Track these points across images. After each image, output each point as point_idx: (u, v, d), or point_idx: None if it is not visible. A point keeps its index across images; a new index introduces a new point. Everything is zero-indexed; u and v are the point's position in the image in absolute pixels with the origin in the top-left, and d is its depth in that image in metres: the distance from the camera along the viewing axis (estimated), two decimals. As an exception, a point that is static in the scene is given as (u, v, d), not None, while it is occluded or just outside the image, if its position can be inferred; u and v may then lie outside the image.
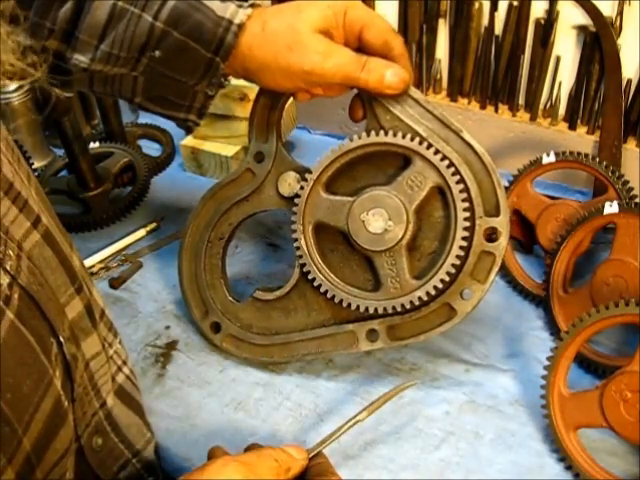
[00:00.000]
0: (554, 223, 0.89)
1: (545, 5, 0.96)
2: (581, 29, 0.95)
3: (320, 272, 0.76)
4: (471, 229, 0.71)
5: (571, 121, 1.02)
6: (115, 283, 0.96)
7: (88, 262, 0.98)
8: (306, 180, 0.75)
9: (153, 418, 0.76)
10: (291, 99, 0.80)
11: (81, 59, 0.69)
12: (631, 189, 0.87)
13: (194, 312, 0.86)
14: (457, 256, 0.71)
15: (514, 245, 0.95)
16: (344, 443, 0.72)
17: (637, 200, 0.85)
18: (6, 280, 0.46)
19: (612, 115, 0.96)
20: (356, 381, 0.82)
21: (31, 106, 1.13)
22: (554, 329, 0.85)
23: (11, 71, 0.49)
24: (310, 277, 0.76)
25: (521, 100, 1.05)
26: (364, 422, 0.64)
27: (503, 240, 0.71)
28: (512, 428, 0.76)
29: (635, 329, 0.69)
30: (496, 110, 1.06)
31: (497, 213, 0.71)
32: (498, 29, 1.00)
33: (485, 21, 1.01)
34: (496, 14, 0.99)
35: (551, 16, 0.95)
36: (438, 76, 1.10)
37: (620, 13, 0.91)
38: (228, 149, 1.11)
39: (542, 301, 0.89)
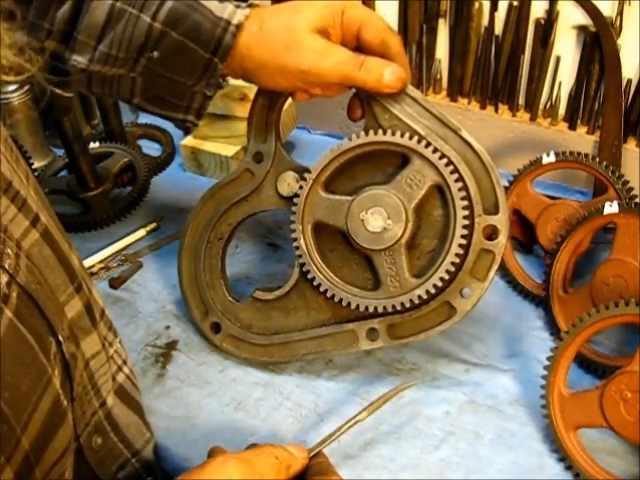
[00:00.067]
0: (554, 223, 0.89)
1: (545, 5, 0.96)
2: (581, 29, 0.95)
3: (320, 271, 0.76)
4: (470, 227, 0.71)
5: (571, 121, 1.02)
6: (115, 283, 0.96)
7: (88, 262, 0.98)
8: (305, 180, 0.75)
9: (153, 418, 0.76)
10: (290, 99, 0.80)
11: (79, 60, 0.69)
12: (631, 189, 0.87)
13: (194, 312, 0.86)
14: (456, 254, 0.71)
15: (514, 245, 0.95)
16: (344, 443, 0.72)
17: (637, 200, 0.85)
18: (4, 279, 0.46)
19: (612, 115, 0.96)
20: (356, 381, 0.82)
21: (31, 106, 1.13)
22: (554, 329, 0.85)
23: (7, 66, 0.49)
24: (310, 277, 0.77)
25: (521, 100, 1.05)
26: (364, 422, 0.64)
27: (502, 238, 0.71)
28: (512, 428, 0.76)
29: (635, 329, 0.69)
30: (496, 110, 1.06)
31: (496, 211, 0.71)
32: (498, 29, 1.00)
33: (485, 21, 1.01)
34: (496, 14, 0.99)
35: (551, 16, 0.95)
36: (438, 76, 1.10)
37: (620, 13, 0.91)
38: (228, 149, 1.11)
39: (542, 301, 0.89)
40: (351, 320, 0.78)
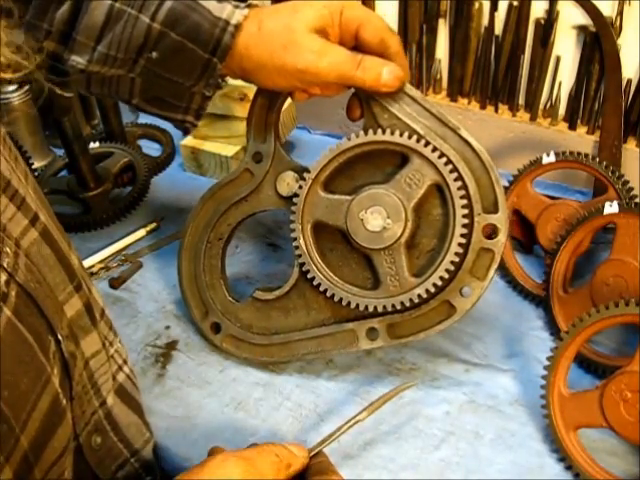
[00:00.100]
0: (554, 223, 0.89)
1: (545, 5, 0.96)
2: (581, 29, 0.95)
3: (319, 271, 0.76)
4: (470, 226, 0.71)
5: (571, 121, 1.02)
6: (115, 283, 0.96)
7: (88, 262, 0.98)
8: (304, 179, 0.75)
9: (153, 418, 0.76)
10: (290, 99, 0.80)
11: (78, 60, 0.69)
12: (631, 189, 0.87)
13: (194, 313, 0.86)
14: (456, 253, 0.71)
15: (514, 245, 0.95)
16: (344, 443, 0.72)
17: (637, 200, 0.85)
18: (3, 277, 0.46)
19: (612, 115, 0.96)
20: (356, 381, 0.82)
21: (31, 106, 1.13)
22: (554, 329, 0.85)
23: (5, 64, 0.49)
24: (309, 276, 0.77)
25: (521, 100, 1.05)
26: (364, 422, 0.64)
27: (502, 237, 0.71)
28: (512, 428, 0.76)
29: (635, 329, 0.69)
30: (496, 110, 1.06)
31: (495, 210, 0.71)
32: (498, 29, 1.00)
33: (485, 21, 1.01)
34: (496, 14, 0.99)
35: (551, 16, 0.95)
36: (438, 76, 1.10)
37: (620, 13, 0.91)
38: (228, 149, 1.11)
39: (542, 301, 0.89)
40: (351, 319, 0.78)
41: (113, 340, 0.67)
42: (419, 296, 0.72)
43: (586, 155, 0.88)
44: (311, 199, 0.76)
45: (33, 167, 1.07)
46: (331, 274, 0.76)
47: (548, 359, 0.73)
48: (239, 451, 0.55)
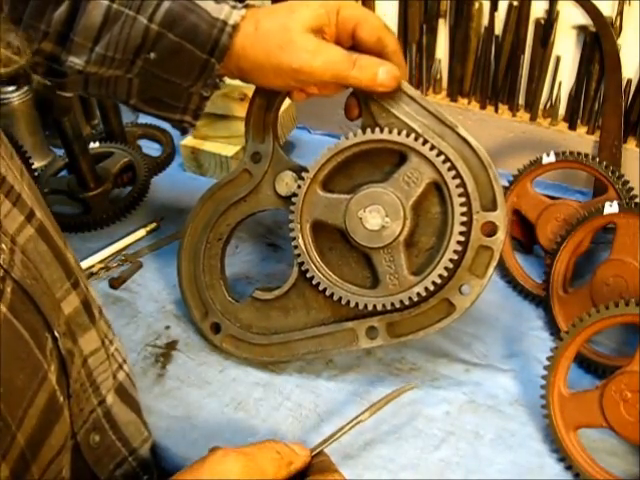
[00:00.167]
0: (554, 223, 0.89)
1: (545, 5, 0.96)
2: (581, 29, 0.95)
3: (319, 270, 0.76)
4: (468, 224, 0.71)
5: (571, 121, 1.02)
6: (115, 283, 0.96)
7: (88, 262, 0.98)
8: (303, 179, 0.75)
9: (153, 418, 0.76)
10: (289, 99, 0.80)
11: (76, 61, 0.69)
12: (631, 189, 0.87)
13: (194, 313, 0.86)
14: (455, 251, 0.71)
15: (514, 245, 0.95)
16: (344, 443, 0.72)
17: (637, 200, 0.85)
18: None
19: (612, 115, 0.96)
20: (356, 381, 0.82)
21: (31, 106, 1.13)
22: (554, 329, 0.85)
23: None
24: (309, 275, 0.76)
25: (521, 100, 1.05)
26: (364, 422, 0.64)
27: (501, 234, 0.71)
28: (512, 428, 0.76)
29: (635, 329, 0.69)
30: (496, 110, 1.06)
31: (494, 207, 0.71)
32: (498, 29, 1.00)
33: (485, 21, 1.01)
34: (496, 14, 0.99)
35: (551, 16, 0.95)
36: (438, 76, 1.10)
37: (620, 13, 0.91)
38: (228, 149, 1.11)
39: (542, 301, 0.89)
40: (350, 319, 0.78)
41: (113, 338, 0.68)
42: (418, 294, 0.72)
43: (586, 155, 0.88)
44: (310, 198, 0.76)
45: (33, 167, 1.07)
46: (330, 273, 0.76)
47: (548, 359, 0.73)
48: (240, 447, 0.54)
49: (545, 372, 0.72)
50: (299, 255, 0.76)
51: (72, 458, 0.56)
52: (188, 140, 1.14)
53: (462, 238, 0.71)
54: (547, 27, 0.97)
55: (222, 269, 0.86)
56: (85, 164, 1.06)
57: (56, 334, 0.52)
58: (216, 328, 0.84)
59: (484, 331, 0.87)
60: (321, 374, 0.83)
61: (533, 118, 1.04)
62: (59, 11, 0.67)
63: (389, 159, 0.74)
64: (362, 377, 0.82)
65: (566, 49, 0.98)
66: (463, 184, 0.71)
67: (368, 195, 0.73)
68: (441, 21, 1.05)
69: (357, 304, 0.75)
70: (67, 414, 0.54)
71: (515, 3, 0.97)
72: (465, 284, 0.73)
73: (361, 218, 0.73)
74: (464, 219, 0.71)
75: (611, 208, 0.80)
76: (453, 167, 0.71)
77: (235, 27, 0.68)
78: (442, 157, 0.71)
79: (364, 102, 0.74)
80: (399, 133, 0.72)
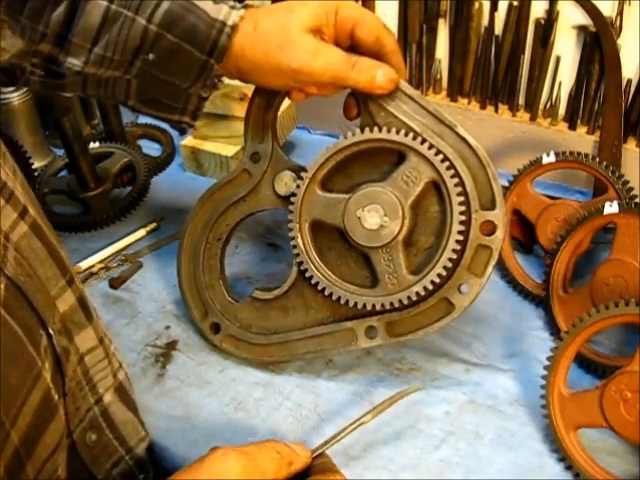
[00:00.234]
0: (554, 223, 0.89)
1: (545, 5, 0.96)
2: (581, 29, 0.95)
3: (318, 270, 0.76)
4: (467, 223, 0.71)
5: (571, 121, 1.02)
6: (115, 283, 0.96)
7: (88, 262, 0.98)
8: (302, 179, 0.75)
9: (153, 417, 0.76)
10: (289, 99, 0.80)
11: (74, 62, 0.69)
12: (631, 189, 0.87)
13: (193, 313, 0.86)
14: (454, 250, 0.71)
15: (514, 245, 0.95)
16: (344, 443, 0.71)
17: (637, 200, 0.85)
18: None
19: (612, 115, 0.96)
20: (356, 381, 0.82)
21: (31, 106, 1.13)
22: (554, 329, 0.85)
23: None
24: (308, 275, 0.76)
25: (521, 100, 1.05)
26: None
27: (499, 233, 0.71)
28: (512, 428, 0.76)
29: (635, 329, 0.69)
30: (496, 110, 1.06)
31: (493, 206, 0.71)
32: (498, 29, 1.00)
33: (485, 21, 1.01)
34: (496, 14, 0.99)
35: (551, 16, 0.95)
36: (438, 76, 1.10)
37: (620, 13, 0.91)
38: (228, 149, 1.11)
39: (542, 301, 0.89)
40: (350, 318, 0.78)
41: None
42: (417, 294, 0.72)
43: (586, 155, 0.88)
44: (308, 198, 0.76)
45: (33, 167, 1.07)
46: (329, 273, 0.76)
47: (548, 359, 0.73)
48: (240, 446, 0.54)
49: (545, 372, 0.72)
50: (298, 255, 0.76)
51: (68, 457, 0.56)
52: (188, 140, 1.14)
53: (461, 237, 0.71)
54: (547, 27, 0.97)
55: (222, 269, 0.86)
56: (85, 164, 1.06)
57: (50, 331, 0.52)
58: (216, 328, 0.84)
59: (484, 331, 0.87)
60: (321, 374, 0.83)
61: (533, 118, 1.04)
62: (57, 12, 0.67)
63: (388, 158, 0.74)
64: (362, 377, 0.82)
65: (566, 49, 0.98)
66: (462, 183, 0.71)
67: (367, 194, 0.73)
68: (441, 21, 1.05)
69: (356, 303, 0.75)
70: (62, 412, 0.54)
71: (515, 3, 0.97)
72: (464, 283, 0.73)
73: (360, 217, 0.73)
74: (463, 218, 0.71)
75: (611, 208, 0.80)
76: (452, 166, 0.71)
77: (234, 28, 0.68)
78: (441, 156, 0.71)
79: (363, 102, 0.74)
80: (398, 132, 0.72)
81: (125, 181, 1.13)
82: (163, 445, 0.75)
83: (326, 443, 0.60)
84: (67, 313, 0.58)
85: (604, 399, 0.68)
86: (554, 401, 0.71)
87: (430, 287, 0.72)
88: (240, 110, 1.07)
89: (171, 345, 0.88)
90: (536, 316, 0.89)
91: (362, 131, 0.73)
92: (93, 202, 1.07)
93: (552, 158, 0.89)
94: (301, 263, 0.76)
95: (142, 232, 1.04)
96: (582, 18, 0.94)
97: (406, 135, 0.72)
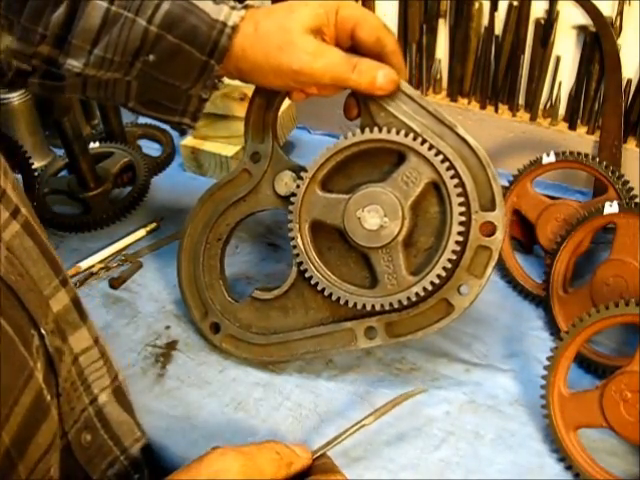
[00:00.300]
0: (554, 223, 0.89)
1: (545, 5, 0.96)
2: (581, 29, 0.95)
3: (317, 270, 0.76)
4: (467, 224, 0.71)
5: (571, 121, 1.02)
6: (115, 283, 0.96)
7: (88, 262, 0.98)
8: (302, 179, 0.75)
9: (152, 417, 0.76)
10: (289, 100, 0.80)
11: (74, 64, 0.69)
12: (631, 189, 0.87)
13: (193, 313, 0.86)
14: (453, 251, 0.71)
15: (514, 245, 0.95)
16: (344, 444, 0.71)
17: (637, 200, 0.85)
18: None
19: (612, 115, 0.96)
20: (356, 381, 0.82)
21: (31, 106, 1.13)
22: (554, 329, 0.85)
23: None
24: (307, 275, 0.76)
25: (521, 100, 1.05)
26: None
27: (499, 234, 0.71)
28: (512, 428, 0.76)
29: (635, 329, 0.69)
30: (496, 110, 1.06)
31: (493, 207, 0.71)
32: (498, 29, 1.00)
33: (485, 21, 1.01)
34: (496, 14, 0.99)
35: (551, 16, 0.95)
36: (438, 76, 1.10)
37: (620, 13, 0.91)
38: (228, 149, 1.11)
39: (542, 301, 0.89)
40: (349, 319, 0.78)
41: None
42: (417, 294, 0.72)
43: (586, 155, 0.88)
44: (308, 198, 0.76)
45: (33, 167, 1.07)
46: (329, 273, 0.76)
47: (548, 359, 0.73)
48: (239, 446, 0.54)
49: (545, 372, 0.72)
50: (298, 255, 0.76)
51: (63, 457, 0.56)
52: (188, 140, 1.14)
53: (461, 238, 0.71)
54: (547, 27, 0.97)
55: (222, 269, 0.86)
56: (85, 164, 1.06)
57: (43, 331, 0.52)
58: (216, 328, 0.84)
59: (484, 331, 0.87)
60: (321, 374, 0.83)
61: (533, 118, 1.04)
62: (57, 13, 0.67)
63: (388, 159, 0.74)
64: (362, 377, 0.82)
65: (566, 49, 0.98)
66: (462, 184, 0.71)
67: (367, 195, 0.73)
68: (441, 21, 1.05)
69: (355, 304, 0.75)
70: (55, 413, 0.53)
71: (515, 3, 0.97)
72: (464, 284, 0.73)
73: (360, 218, 0.73)
74: (463, 219, 0.71)
75: (611, 208, 0.80)
76: (452, 167, 0.71)
77: (234, 28, 0.68)
78: (441, 157, 0.71)
79: (363, 102, 0.74)
80: (398, 133, 0.72)
81: (125, 181, 1.13)
82: (163, 445, 0.75)
83: (327, 444, 0.60)
84: (61, 313, 0.58)
85: (604, 399, 0.68)
86: (554, 401, 0.71)
87: (430, 288, 0.72)
88: (240, 110, 1.07)
89: (171, 345, 0.88)
90: (536, 316, 0.89)
91: (362, 131, 0.73)
92: (93, 202, 1.07)
93: (552, 158, 0.89)
94: (301, 263, 0.76)
95: (142, 232, 1.04)
96: (582, 18, 0.94)
97: (406, 135, 0.71)
